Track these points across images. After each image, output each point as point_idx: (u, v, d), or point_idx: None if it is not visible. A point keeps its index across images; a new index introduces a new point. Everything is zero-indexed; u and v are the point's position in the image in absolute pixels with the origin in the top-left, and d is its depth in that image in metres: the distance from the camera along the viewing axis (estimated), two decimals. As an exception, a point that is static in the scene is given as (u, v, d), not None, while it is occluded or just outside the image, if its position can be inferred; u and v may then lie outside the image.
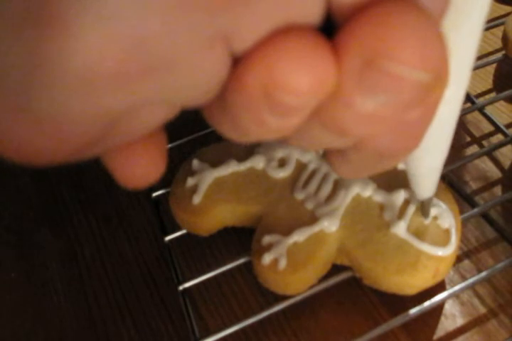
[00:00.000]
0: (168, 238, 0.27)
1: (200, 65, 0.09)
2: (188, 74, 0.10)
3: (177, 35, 0.09)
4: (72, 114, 0.09)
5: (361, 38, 0.09)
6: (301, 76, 0.09)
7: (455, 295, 0.25)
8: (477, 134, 0.32)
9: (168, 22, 0.09)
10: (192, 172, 0.27)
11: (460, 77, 0.16)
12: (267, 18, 0.09)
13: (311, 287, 0.24)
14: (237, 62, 0.10)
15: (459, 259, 0.26)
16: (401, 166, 0.26)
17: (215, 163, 0.27)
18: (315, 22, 0.10)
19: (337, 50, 0.10)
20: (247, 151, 0.27)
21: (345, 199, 0.25)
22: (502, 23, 0.34)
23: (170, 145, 0.30)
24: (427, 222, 0.24)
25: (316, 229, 0.24)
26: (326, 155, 0.14)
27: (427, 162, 0.19)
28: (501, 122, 0.30)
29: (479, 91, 0.34)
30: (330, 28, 0.10)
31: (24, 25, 0.08)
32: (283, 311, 0.24)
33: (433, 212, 0.24)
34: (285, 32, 0.09)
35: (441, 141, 0.18)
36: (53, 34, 0.08)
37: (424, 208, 0.23)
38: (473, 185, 0.29)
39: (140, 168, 0.13)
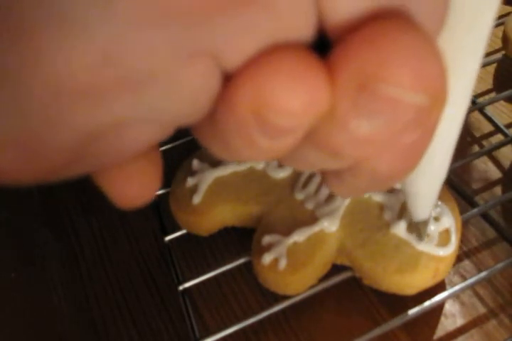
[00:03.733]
0: (168, 238, 0.27)
1: (181, 81, 0.09)
2: (167, 91, 0.09)
3: (152, 50, 0.08)
4: (41, 132, 0.09)
5: (355, 60, 0.09)
6: (293, 96, 0.09)
7: (455, 295, 0.25)
8: (477, 134, 0.32)
9: (142, 37, 0.08)
10: (192, 172, 0.27)
11: (460, 96, 0.15)
12: (254, 34, 0.09)
13: (311, 287, 0.24)
14: (228, 80, 0.09)
15: (459, 259, 0.26)
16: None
17: (215, 163, 0.27)
18: (307, 39, 0.09)
19: (331, 71, 0.09)
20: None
21: (345, 200, 0.25)
22: (502, 23, 0.34)
23: (170, 145, 0.30)
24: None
25: (316, 229, 0.24)
26: (321, 176, 0.14)
27: (424, 183, 0.18)
28: (501, 122, 0.30)
29: (479, 91, 0.34)
30: (323, 45, 0.10)
31: None
32: (283, 311, 0.24)
33: (433, 212, 0.24)
34: (276, 50, 0.09)
35: (440, 161, 0.17)
36: (19, 47, 0.08)
37: (419, 230, 0.22)
38: (474, 185, 0.29)
39: (133, 188, 0.12)
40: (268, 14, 0.09)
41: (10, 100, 0.09)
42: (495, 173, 0.30)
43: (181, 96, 0.09)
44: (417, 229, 0.22)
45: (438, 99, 0.09)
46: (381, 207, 0.25)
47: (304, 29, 0.09)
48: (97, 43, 0.08)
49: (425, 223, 0.22)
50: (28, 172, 0.10)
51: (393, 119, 0.09)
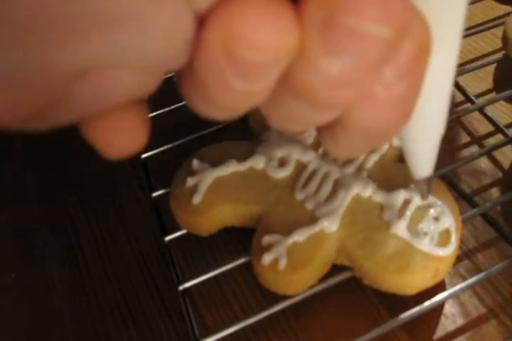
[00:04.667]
0: (168, 238, 0.27)
1: (151, 19, 0.09)
2: (138, 29, 0.09)
3: None
4: (20, 69, 0.09)
5: None
6: (262, 31, 0.09)
7: (455, 295, 0.25)
8: (477, 134, 0.32)
9: None
10: (192, 172, 0.27)
11: (448, 42, 0.15)
12: None
13: (311, 287, 0.24)
14: (202, 24, 0.10)
15: (459, 259, 0.26)
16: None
17: (215, 163, 0.27)
18: None
19: (300, 8, 0.10)
20: (247, 151, 0.27)
21: (345, 200, 0.25)
22: (502, 23, 0.34)
23: (170, 146, 0.30)
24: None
25: (316, 229, 0.24)
26: (317, 135, 0.14)
27: (422, 137, 0.18)
28: (501, 122, 0.30)
29: (479, 91, 0.34)
30: None
31: None
32: (283, 311, 0.24)
33: (433, 212, 0.24)
34: None
35: (435, 113, 0.17)
36: None
37: (421, 189, 0.22)
38: (473, 185, 0.29)
39: (120, 138, 0.12)
40: None
41: None
42: (495, 173, 0.30)
43: (155, 36, 0.10)
44: (420, 188, 0.22)
45: (404, 32, 0.10)
46: (381, 207, 0.25)
47: None
48: None
49: (428, 181, 0.21)
50: (11, 113, 0.10)
51: (361, 54, 0.10)
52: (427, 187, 0.21)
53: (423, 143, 0.18)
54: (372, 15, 0.09)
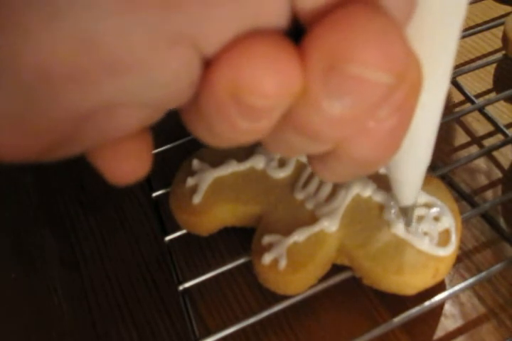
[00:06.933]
0: (168, 238, 0.27)
1: (160, 66, 0.10)
2: (148, 75, 0.10)
3: (129, 36, 0.09)
4: (32, 113, 0.10)
5: (324, 42, 0.09)
6: (267, 78, 0.09)
7: (455, 295, 0.25)
8: (477, 134, 0.32)
9: (119, 23, 0.09)
10: (192, 172, 0.27)
11: (437, 83, 0.15)
12: (231, 22, 0.09)
13: (311, 287, 0.24)
14: (208, 65, 0.10)
15: (459, 259, 0.25)
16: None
17: (215, 163, 0.27)
18: (281, 26, 0.10)
19: (303, 55, 0.10)
20: (247, 151, 0.27)
21: (345, 200, 0.25)
22: (502, 23, 0.34)
23: (170, 146, 0.30)
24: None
25: (316, 229, 0.24)
26: (307, 160, 0.14)
27: (408, 170, 0.18)
28: (501, 122, 0.30)
29: (479, 91, 0.34)
30: (299, 34, 0.10)
31: None
32: (283, 311, 0.24)
33: (433, 212, 0.24)
34: (252, 36, 0.10)
35: (422, 147, 0.18)
36: (4, 34, 0.08)
37: (405, 216, 0.22)
38: (473, 185, 0.29)
39: (126, 165, 0.13)
40: (242, 3, 0.09)
41: (6, 82, 0.09)
42: (495, 173, 0.30)
43: (162, 80, 0.10)
44: (404, 214, 0.22)
45: (402, 78, 0.10)
46: (381, 207, 0.25)
47: (277, 17, 0.10)
48: (79, 28, 0.09)
49: (411, 209, 0.22)
50: (24, 149, 0.10)
51: (361, 98, 0.10)
52: (410, 214, 0.22)
53: (409, 174, 0.19)
54: (374, 63, 0.09)
